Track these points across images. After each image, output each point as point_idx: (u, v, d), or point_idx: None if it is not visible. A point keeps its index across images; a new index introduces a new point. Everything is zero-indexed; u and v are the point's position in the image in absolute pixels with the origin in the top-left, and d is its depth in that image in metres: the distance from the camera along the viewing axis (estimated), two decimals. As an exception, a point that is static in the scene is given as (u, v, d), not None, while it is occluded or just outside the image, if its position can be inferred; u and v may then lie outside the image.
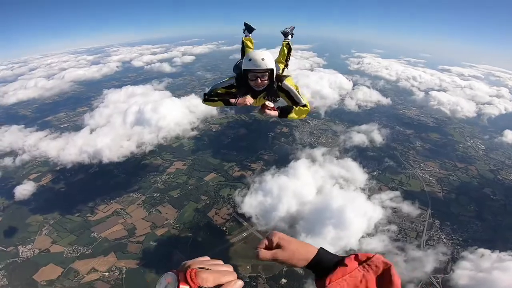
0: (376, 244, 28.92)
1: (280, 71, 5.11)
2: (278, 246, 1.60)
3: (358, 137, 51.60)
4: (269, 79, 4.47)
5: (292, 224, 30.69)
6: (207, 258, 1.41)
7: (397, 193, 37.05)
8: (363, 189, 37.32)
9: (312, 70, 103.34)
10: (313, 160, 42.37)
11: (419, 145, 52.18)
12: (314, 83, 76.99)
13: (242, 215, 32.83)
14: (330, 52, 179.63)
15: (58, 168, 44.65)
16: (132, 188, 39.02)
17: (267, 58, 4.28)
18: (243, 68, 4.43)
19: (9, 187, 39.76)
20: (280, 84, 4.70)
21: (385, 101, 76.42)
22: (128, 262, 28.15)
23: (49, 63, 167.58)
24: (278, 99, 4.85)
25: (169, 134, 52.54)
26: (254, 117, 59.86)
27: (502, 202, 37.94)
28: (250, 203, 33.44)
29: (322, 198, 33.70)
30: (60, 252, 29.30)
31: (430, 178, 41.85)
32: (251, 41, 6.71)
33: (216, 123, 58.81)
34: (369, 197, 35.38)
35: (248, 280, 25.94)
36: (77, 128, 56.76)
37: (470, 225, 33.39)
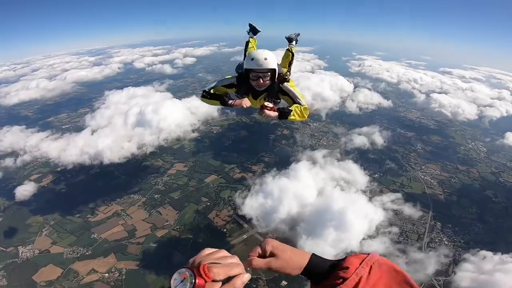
0: (378, 246, 28.80)
1: (283, 74, 4.99)
2: (272, 255, 1.59)
3: (359, 139, 51.47)
4: (271, 80, 4.39)
5: (292, 226, 30.60)
6: (212, 250, 1.46)
7: (399, 195, 36.91)
8: (364, 191, 37.20)
9: (313, 72, 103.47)
10: (314, 162, 42.24)
11: (420, 148, 52.04)
12: (315, 85, 76.94)
13: (243, 217, 32.72)
14: (331, 54, 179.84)
15: (59, 169, 44.64)
16: (133, 189, 38.97)
17: (270, 57, 4.18)
18: (244, 67, 4.35)
19: (10, 188, 39.75)
20: (280, 86, 4.66)
21: (386, 103, 76.30)
22: (128, 263, 28.06)
23: (51, 64, 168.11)
24: (279, 100, 4.81)
25: (170, 136, 52.52)
26: (255, 119, 59.87)
27: (504, 204, 37.75)
28: (250, 205, 33.33)
29: (323, 200, 33.56)
30: (60, 253, 29.23)
31: (432, 181, 41.69)
32: (255, 43, 6.70)
33: (217, 125, 58.83)
34: (370, 199, 35.27)
35: (248, 282, 25.77)
36: (79, 129, 56.84)
37: (471, 228, 33.20)
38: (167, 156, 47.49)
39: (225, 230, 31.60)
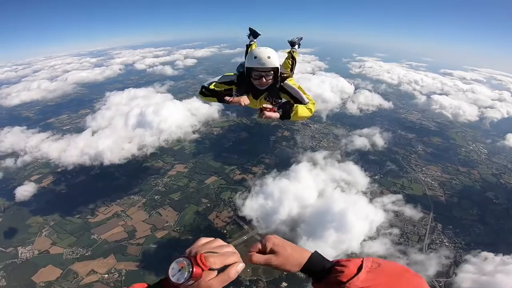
0: (378, 248, 28.72)
1: (286, 74, 4.75)
2: (272, 251, 1.58)
3: (360, 141, 51.42)
4: (273, 79, 4.26)
5: (293, 227, 30.54)
6: (208, 239, 1.49)
7: (399, 196, 36.85)
8: (364, 193, 37.15)
9: (314, 74, 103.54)
10: (314, 163, 42.23)
11: (421, 149, 51.93)
12: (316, 86, 76.84)
13: (243, 218, 32.69)
14: (331, 55, 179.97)
15: (59, 169, 44.67)
16: (133, 190, 38.97)
17: (273, 56, 4.05)
18: (246, 65, 4.20)
19: (10, 188, 39.77)
20: (282, 84, 4.50)
21: (387, 105, 76.20)
22: (127, 264, 28.05)
23: (53, 65, 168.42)
24: (280, 100, 4.64)
25: (171, 137, 52.55)
26: (255, 121, 59.88)
27: (505, 205, 37.63)
28: (251, 206, 33.34)
29: (324, 201, 33.55)
30: (60, 253, 29.22)
31: (432, 182, 41.58)
32: (256, 46, 6.66)
33: (217, 126, 58.83)
34: (370, 200, 35.22)
35: (248, 284, 25.78)
36: (79, 130, 56.89)
37: (472, 229, 33.10)
38: (167, 157, 47.49)
39: (225, 231, 31.54)
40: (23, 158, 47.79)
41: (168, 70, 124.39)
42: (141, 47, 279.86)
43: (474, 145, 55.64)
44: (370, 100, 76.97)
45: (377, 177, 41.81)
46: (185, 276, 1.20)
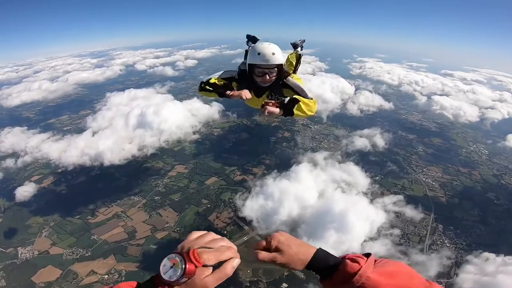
0: (379, 248, 28.59)
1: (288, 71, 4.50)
2: (278, 249, 1.57)
3: (360, 142, 51.34)
4: (277, 76, 4.08)
5: (293, 228, 30.45)
6: (201, 233, 1.46)
7: (400, 197, 36.72)
8: (365, 193, 37.06)
9: (314, 75, 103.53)
10: (315, 164, 42.14)
11: (421, 150, 51.80)
12: (316, 87, 76.75)
13: (243, 219, 32.61)
14: (332, 56, 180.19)
15: (59, 170, 44.65)
16: (133, 191, 38.91)
17: (277, 52, 3.86)
18: (249, 62, 3.99)
19: (10, 189, 39.73)
20: (284, 80, 4.29)
21: (387, 105, 76.11)
22: (127, 265, 27.98)
23: (54, 66, 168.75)
24: (282, 98, 4.20)
25: (171, 138, 52.51)
26: (256, 122, 59.91)
27: (506, 206, 37.48)
28: (251, 207, 33.26)
29: (324, 202, 33.45)
30: (60, 254, 29.15)
31: (433, 183, 41.46)
32: None
33: (218, 127, 58.78)
34: (371, 201, 35.11)
35: (248, 285, 25.70)
36: (80, 130, 56.83)
37: (473, 230, 32.97)
38: (167, 158, 47.44)
39: (225, 232, 31.43)
40: (24, 158, 47.77)
41: (169, 71, 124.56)
42: (141, 48, 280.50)
43: (475, 146, 55.52)
44: (371, 100, 76.90)
45: (377, 178, 41.71)
46: (178, 274, 1.16)
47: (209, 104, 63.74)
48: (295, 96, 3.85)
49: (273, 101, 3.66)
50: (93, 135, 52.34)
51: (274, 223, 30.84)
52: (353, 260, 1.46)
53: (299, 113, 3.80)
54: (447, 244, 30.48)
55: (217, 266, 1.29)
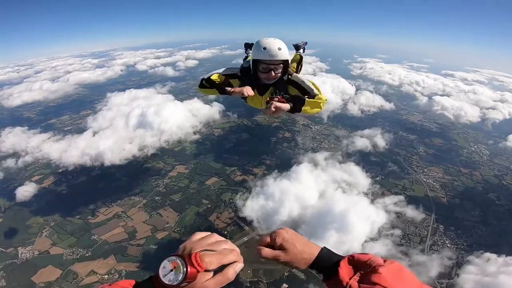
0: (380, 249, 28.53)
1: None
2: (282, 247, 1.52)
3: (361, 142, 51.29)
4: (283, 72, 3.84)
5: (294, 228, 29.19)
6: (203, 234, 1.41)
7: (401, 197, 36.67)
8: (366, 194, 36.97)
9: (315, 75, 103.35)
10: (315, 164, 42.08)
11: (422, 151, 51.71)
12: (317, 87, 76.69)
13: (244, 219, 32.58)
14: (332, 57, 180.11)
15: (60, 170, 44.68)
16: (134, 191, 38.91)
17: (283, 47, 3.62)
18: (253, 57, 3.73)
19: (11, 189, 39.75)
20: (290, 77, 4.06)
21: (388, 106, 76.06)
22: (128, 265, 27.97)
23: (55, 66, 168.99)
24: (288, 96, 4.08)
25: (171, 138, 52.51)
26: (256, 122, 59.95)
27: (507, 207, 37.39)
28: (251, 207, 33.23)
29: (325, 202, 33.41)
30: (60, 254, 29.15)
31: (434, 184, 41.37)
32: None
33: (218, 127, 58.77)
34: (372, 201, 35.04)
35: (249, 285, 25.65)
36: (80, 130, 56.83)
37: (474, 230, 32.89)
38: (168, 158, 47.43)
39: (226, 232, 31.41)
40: (24, 158, 47.81)
41: (169, 71, 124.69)
42: (142, 48, 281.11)
43: (476, 146, 55.41)
44: (371, 101, 76.87)
45: (378, 178, 41.63)
46: (179, 278, 1.10)
47: (209, 105, 63.77)
48: (300, 95, 3.75)
49: (278, 97, 3.56)
50: (93, 135, 52.38)
51: (274, 223, 30.76)
52: (350, 261, 1.43)
53: (307, 109, 3.74)
54: (448, 245, 30.40)
55: (218, 269, 1.24)
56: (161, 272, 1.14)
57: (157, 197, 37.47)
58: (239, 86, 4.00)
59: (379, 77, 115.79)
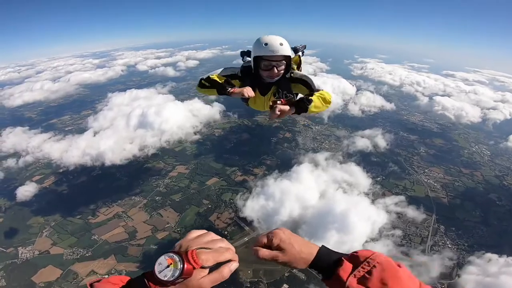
0: (381, 249, 28.39)
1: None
2: (279, 247, 1.50)
3: (362, 142, 51.21)
4: (285, 69, 3.67)
5: (294, 228, 30.28)
6: (200, 232, 1.43)
7: (402, 197, 36.59)
8: (366, 194, 36.91)
9: (316, 75, 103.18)
10: (316, 164, 42.06)
11: (423, 151, 51.62)
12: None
13: (244, 219, 32.54)
14: (333, 57, 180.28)
15: (61, 170, 44.70)
16: (134, 191, 38.89)
17: (285, 43, 3.48)
18: (255, 54, 3.55)
19: (12, 188, 39.76)
20: (292, 75, 3.88)
21: (389, 106, 76.00)
22: (128, 265, 27.95)
23: (56, 66, 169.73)
24: (291, 95, 3.95)
25: (172, 138, 52.52)
26: (257, 122, 59.93)
27: (508, 207, 37.29)
28: (252, 207, 33.18)
29: (325, 202, 33.34)
30: (60, 254, 29.13)
31: (435, 184, 41.28)
32: None
33: (219, 128, 58.77)
34: (373, 201, 34.96)
35: (249, 285, 25.61)
36: (81, 130, 56.90)
37: (475, 231, 32.80)
38: (168, 158, 47.42)
39: (226, 232, 31.37)
40: (25, 158, 47.84)
41: (170, 71, 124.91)
42: (143, 48, 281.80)
43: (476, 146, 55.29)
44: (372, 101, 76.79)
45: (379, 178, 41.56)
46: (175, 274, 1.10)
47: (210, 105, 63.80)
48: (307, 95, 3.52)
49: (282, 99, 3.37)
50: (94, 135, 52.43)
51: (275, 224, 30.71)
52: (350, 259, 1.42)
53: (315, 110, 3.50)
54: (449, 245, 30.32)
55: (214, 267, 1.24)
56: (156, 268, 1.13)
57: (157, 197, 37.45)
58: (240, 87, 3.79)
59: (380, 78, 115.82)
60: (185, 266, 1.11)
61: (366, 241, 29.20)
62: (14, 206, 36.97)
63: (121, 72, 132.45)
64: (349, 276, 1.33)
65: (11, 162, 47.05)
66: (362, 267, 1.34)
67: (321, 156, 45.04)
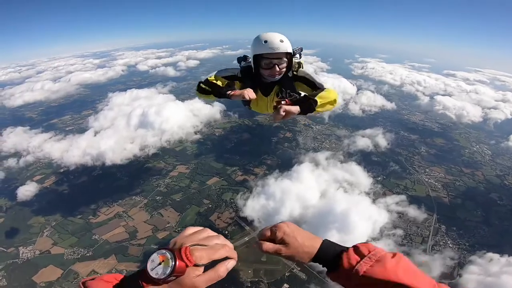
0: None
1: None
2: (283, 241, 1.50)
3: (362, 142, 51.13)
4: (287, 68, 3.52)
5: (295, 228, 30.35)
6: (195, 229, 1.39)
7: (403, 197, 36.52)
8: (367, 193, 36.87)
9: (316, 75, 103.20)
10: (316, 164, 42.00)
11: (424, 151, 51.53)
12: (318, 87, 76.64)
13: (244, 219, 32.50)
14: (333, 57, 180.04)
15: (61, 170, 44.72)
16: (135, 191, 38.89)
17: (285, 39, 3.33)
18: (255, 53, 3.39)
19: (12, 188, 39.79)
20: (295, 73, 3.69)
21: (390, 105, 75.85)
22: (128, 265, 27.90)
23: (56, 66, 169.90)
24: (295, 94, 3.77)
25: (172, 138, 52.50)
26: (257, 122, 59.88)
27: (509, 207, 37.19)
28: (252, 207, 33.15)
29: (326, 201, 33.28)
30: (61, 253, 29.13)
31: (436, 184, 41.21)
32: None
33: (219, 127, 58.74)
34: (373, 201, 34.91)
35: (249, 285, 25.54)
36: (82, 130, 56.92)
37: (476, 230, 32.72)
38: (169, 158, 47.41)
39: (226, 232, 31.31)
40: (26, 158, 47.86)
41: (171, 71, 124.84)
42: (143, 48, 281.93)
43: (478, 146, 55.18)
44: (373, 101, 76.61)
45: (380, 178, 41.49)
46: (166, 272, 1.06)
47: (210, 104, 63.71)
48: (313, 93, 3.33)
49: (286, 99, 3.13)
50: (95, 135, 52.45)
51: (275, 223, 30.69)
52: (356, 250, 1.39)
53: (321, 109, 3.32)
54: (450, 245, 30.26)
55: (211, 265, 1.19)
56: (149, 266, 1.09)
57: (158, 197, 37.44)
58: (241, 88, 3.70)
59: (381, 77, 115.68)
60: (177, 263, 1.07)
61: (367, 241, 29.09)
62: (15, 206, 36.99)
63: (122, 72, 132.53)
64: (356, 265, 1.31)
65: (12, 162, 47.07)
66: (369, 257, 1.32)
67: (321, 156, 44.99)
